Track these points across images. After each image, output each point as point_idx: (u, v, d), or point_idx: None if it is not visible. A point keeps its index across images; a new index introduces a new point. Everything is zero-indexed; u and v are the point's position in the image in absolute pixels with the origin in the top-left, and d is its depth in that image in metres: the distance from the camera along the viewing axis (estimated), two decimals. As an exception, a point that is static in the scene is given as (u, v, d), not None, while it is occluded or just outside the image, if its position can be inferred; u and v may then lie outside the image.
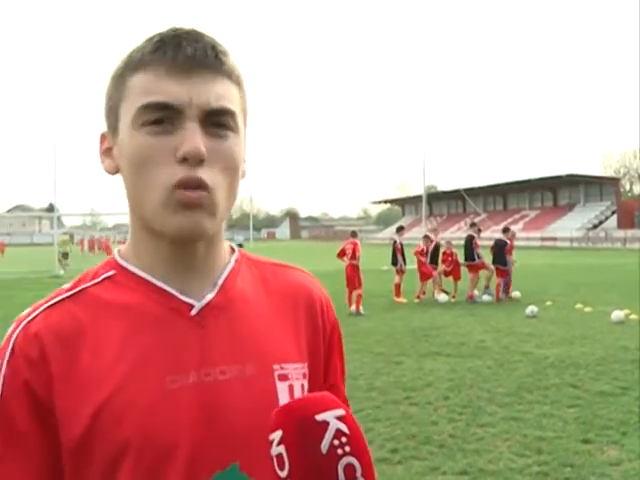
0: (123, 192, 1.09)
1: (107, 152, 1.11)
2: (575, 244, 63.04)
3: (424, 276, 18.42)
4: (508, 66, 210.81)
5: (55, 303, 1.08)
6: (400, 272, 18.34)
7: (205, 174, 1.01)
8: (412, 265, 19.26)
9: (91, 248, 66.55)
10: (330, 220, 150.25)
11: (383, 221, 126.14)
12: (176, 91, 1.00)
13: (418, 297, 18.12)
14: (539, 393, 7.69)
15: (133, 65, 1.04)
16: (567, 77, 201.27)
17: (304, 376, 1.13)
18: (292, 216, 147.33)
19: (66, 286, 1.12)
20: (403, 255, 18.56)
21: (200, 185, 1.01)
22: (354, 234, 17.68)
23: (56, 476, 1.03)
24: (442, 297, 17.74)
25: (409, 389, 7.90)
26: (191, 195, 1.00)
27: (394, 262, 18.65)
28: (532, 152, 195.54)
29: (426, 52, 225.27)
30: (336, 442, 0.85)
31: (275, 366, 1.10)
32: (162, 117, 1.01)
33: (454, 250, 18.85)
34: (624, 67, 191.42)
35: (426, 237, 19.24)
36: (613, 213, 71.32)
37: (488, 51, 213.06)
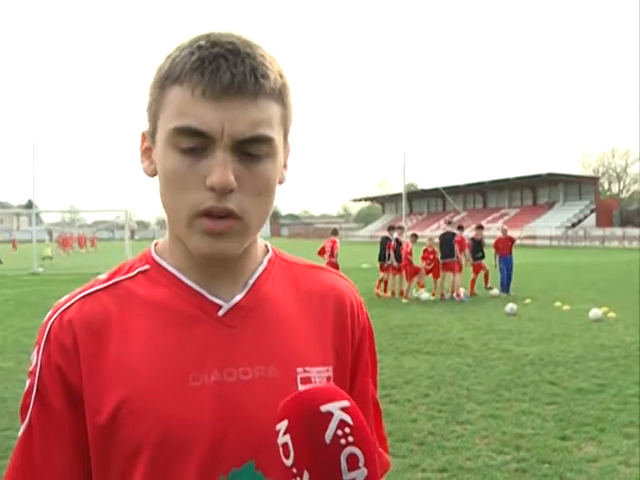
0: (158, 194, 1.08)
1: (147, 152, 1.11)
2: (554, 242, 63.47)
3: (410, 275, 18.48)
4: (488, 65, 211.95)
5: (90, 293, 1.12)
6: (389, 269, 18.49)
7: (235, 201, 1.01)
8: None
9: (66, 245, 58.83)
10: (310, 218, 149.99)
11: (363, 219, 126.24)
12: (209, 117, 0.98)
13: (405, 296, 18.12)
14: (518, 390, 7.73)
15: (173, 77, 1.01)
16: (546, 77, 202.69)
17: (328, 379, 1.13)
18: (272, 214, 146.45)
19: (102, 277, 1.15)
20: (395, 252, 18.62)
21: (228, 215, 1.01)
22: (334, 232, 17.76)
23: (84, 456, 1.07)
24: (424, 295, 17.82)
25: (389, 387, 7.89)
26: (218, 224, 1.01)
27: (382, 257, 18.78)
28: (512, 151, 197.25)
29: (406, 51, 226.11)
30: (340, 432, 0.87)
31: (298, 369, 1.11)
32: (194, 142, 1.00)
33: (435, 248, 18.92)
34: (603, 67, 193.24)
35: (413, 235, 19.33)
36: (592, 212, 71.96)
37: (468, 50, 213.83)
